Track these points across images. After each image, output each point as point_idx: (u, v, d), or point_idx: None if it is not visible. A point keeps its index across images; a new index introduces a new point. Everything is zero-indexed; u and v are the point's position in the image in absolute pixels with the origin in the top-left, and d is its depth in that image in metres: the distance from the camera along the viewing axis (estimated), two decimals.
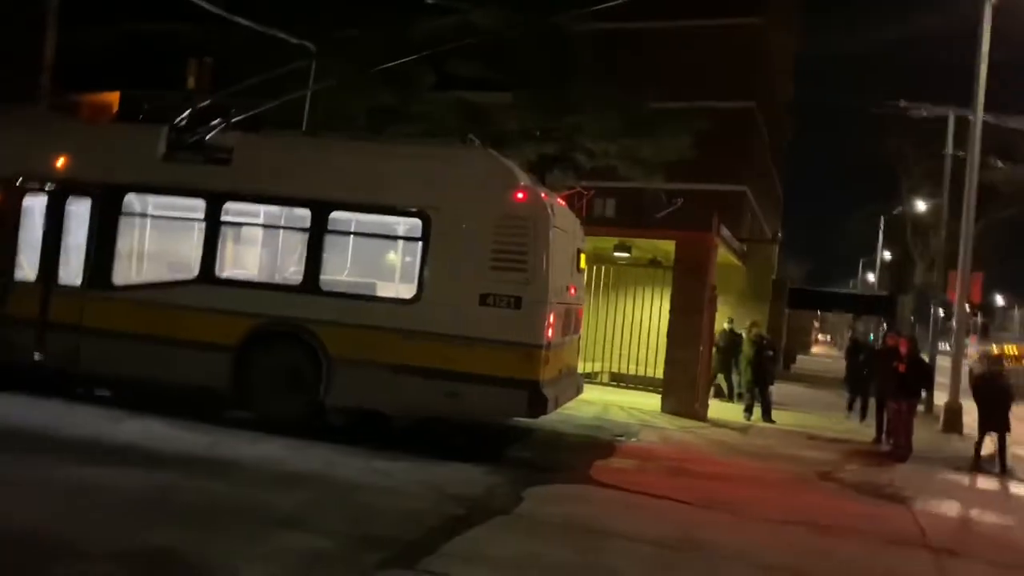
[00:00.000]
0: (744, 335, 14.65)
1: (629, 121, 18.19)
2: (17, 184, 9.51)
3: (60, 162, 9.44)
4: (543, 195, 8.65)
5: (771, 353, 14.14)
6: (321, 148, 9.39)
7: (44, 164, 9.46)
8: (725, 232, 15.14)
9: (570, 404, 9.85)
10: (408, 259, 8.85)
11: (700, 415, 12.92)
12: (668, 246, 13.85)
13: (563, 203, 9.70)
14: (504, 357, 8.10)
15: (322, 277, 8.66)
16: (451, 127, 16.13)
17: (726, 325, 15.52)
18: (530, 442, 9.72)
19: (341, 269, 9.21)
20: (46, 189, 9.48)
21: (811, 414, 15.31)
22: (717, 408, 14.02)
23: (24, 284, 9.36)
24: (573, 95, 17.77)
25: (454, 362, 8.15)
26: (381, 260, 9.36)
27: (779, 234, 36.94)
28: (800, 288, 31.53)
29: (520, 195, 8.32)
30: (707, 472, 9.23)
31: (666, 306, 13.60)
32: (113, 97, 21.53)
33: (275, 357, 8.64)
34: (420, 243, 8.44)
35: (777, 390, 14.45)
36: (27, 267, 9.48)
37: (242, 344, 8.63)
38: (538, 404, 8.17)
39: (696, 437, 11.43)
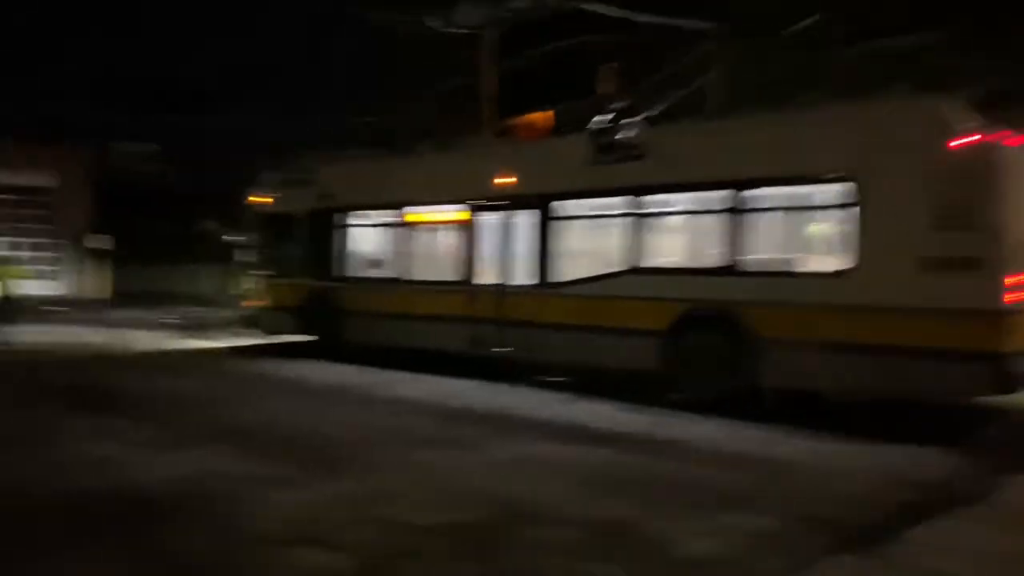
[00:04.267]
0: None
1: None
2: (475, 203, 11.17)
3: (504, 180, 10.84)
4: (995, 137, 7.45)
5: None
6: (730, 128, 9.32)
7: (492, 183, 10.94)
8: None
9: None
10: (835, 229, 8.31)
11: None
12: None
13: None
14: (957, 327, 7.17)
15: (744, 257, 8.59)
16: (873, 80, 14.70)
17: None
18: (1002, 424, 8.44)
19: (764, 247, 9.00)
20: (495, 205, 10.98)
21: None
22: None
23: (485, 288, 10.95)
24: None
25: (896, 336, 7.46)
26: (806, 233, 8.92)
27: None
28: None
29: (963, 140, 7.28)
30: None
31: None
32: (542, 115, 24.01)
33: (704, 340, 8.81)
34: (848, 210, 7.90)
35: None
36: (487, 273, 11.08)
37: (671, 328, 8.97)
38: (1005, 380, 7.08)
39: None
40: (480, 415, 8.61)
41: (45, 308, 23.07)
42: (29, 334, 15.73)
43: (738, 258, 8.61)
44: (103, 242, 33.68)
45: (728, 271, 8.65)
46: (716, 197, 8.85)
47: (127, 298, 31.44)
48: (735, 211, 8.64)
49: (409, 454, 6.88)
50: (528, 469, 6.44)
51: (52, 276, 35.21)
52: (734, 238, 8.64)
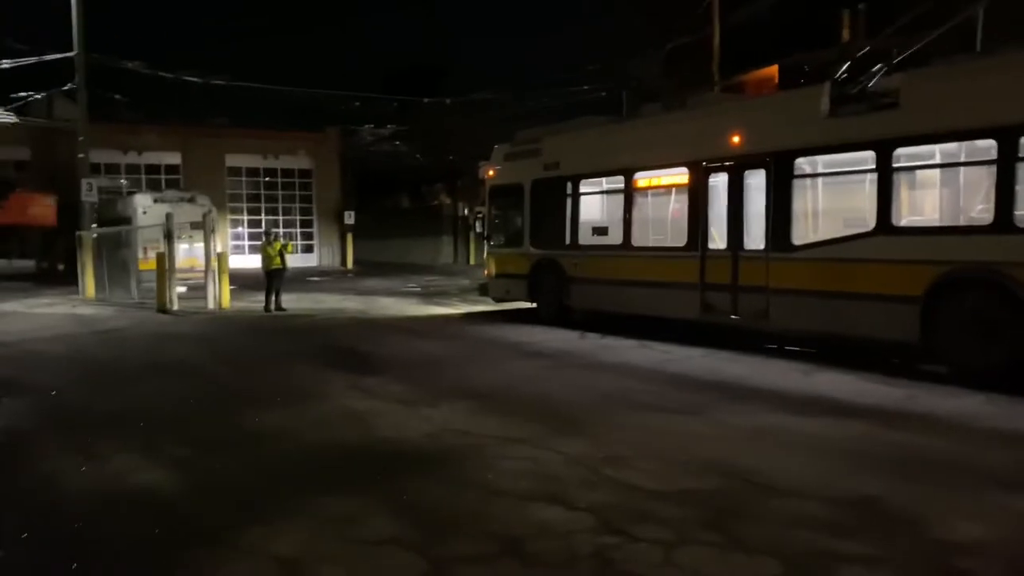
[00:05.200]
0: None
1: None
2: (703, 165, 10.82)
3: (733, 139, 10.38)
4: None
5: None
6: (1003, 66, 8.16)
7: (719, 143, 10.52)
8: None
9: None
10: None
11: None
12: None
13: None
14: None
15: (1018, 212, 7.59)
16: None
17: None
18: None
19: None
20: (724, 166, 10.56)
21: None
22: None
23: (716, 253, 10.61)
24: None
25: None
26: None
27: None
28: None
29: None
30: None
31: None
32: (772, 69, 22.65)
33: (968, 305, 7.93)
34: None
35: None
36: (716, 237, 10.71)
37: (928, 293, 8.16)
38: None
39: None
40: (710, 383, 8.39)
41: (307, 279, 25.78)
42: (296, 301, 17.81)
43: (1008, 214, 7.61)
44: (348, 217, 37.08)
45: (999, 228, 7.68)
46: (986, 146, 7.87)
47: (371, 268, 34.24)
48: (1004, 161, 7.63)
49: (638, 419, 6.86)
50: (765, 440, 6.18)
51: (309, 249, 39.25)
52: (1001, 192, 7.64)
